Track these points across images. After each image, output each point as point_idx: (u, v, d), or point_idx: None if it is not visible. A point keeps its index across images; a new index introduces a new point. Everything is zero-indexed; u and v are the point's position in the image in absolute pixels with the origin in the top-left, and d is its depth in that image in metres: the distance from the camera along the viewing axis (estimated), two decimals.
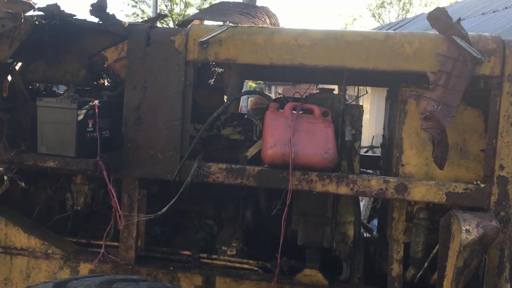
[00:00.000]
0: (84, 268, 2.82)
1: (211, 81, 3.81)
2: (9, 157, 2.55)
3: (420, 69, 2.44)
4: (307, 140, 2.50)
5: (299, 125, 2.53)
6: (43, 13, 2.60)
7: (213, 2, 28.11)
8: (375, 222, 4.18)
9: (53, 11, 2.56)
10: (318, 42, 2.48)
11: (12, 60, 2.85)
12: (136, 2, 28.08)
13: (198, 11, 28.22)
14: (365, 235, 3.32)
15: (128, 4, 28.01)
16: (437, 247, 2.41)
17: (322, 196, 2.69)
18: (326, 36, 2.50)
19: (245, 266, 2.82)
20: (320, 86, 3.69)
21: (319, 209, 2.72)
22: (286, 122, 2.54)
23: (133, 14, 27.79)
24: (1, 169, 2.62)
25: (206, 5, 28.05)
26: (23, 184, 2.56)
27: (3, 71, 2.97)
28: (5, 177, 2.51)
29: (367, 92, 4.23)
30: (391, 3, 35.53)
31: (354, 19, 34.23)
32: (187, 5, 28.22)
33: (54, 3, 2.52)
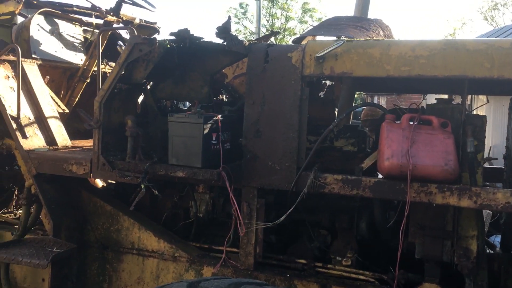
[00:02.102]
0: (207, 271, 3.03)
1: (322, 93, 3.89)
2: (144, 168, 2.82)
3: None
4: (425, 151, 2.47)
5: (417, 136, 2.51)
6: (174, 37, 2.87)
7: (313, 14, 28.34)
8: (495, 238, 3.96)
9: (184, 35, 2.82)
10: (437, 52, 2.45)
11: (145, 80, 3.16)
12: (239, 19, 29.11)
13: (299, 24, 28.64)
14: (487, 251, 3.16)
15: (232, 21, 28.92)
16: None
17: (441, 209, 2.63)
18: (446, 45, 2.46)
19: (361, 277, 2.83)
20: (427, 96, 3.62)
21: (438, 222, 2.66)
22: (403, 134, 2.52)
23: (236, 30, 28.82)
24: (129, 178, 2.90)
25: (306, 18, 28.30)
26: (156, 192, 2.82)
27: (138, 90, 3.32)
28: (142, 186, 2.78)
29: (488, 101, 4.03)
30: (505, 4, 32.98)
31: (464, 24, 32.37)
32: (287, 18, 28.65)
33: (185, 28, 2.78)
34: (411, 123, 2.57)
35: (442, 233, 2.66)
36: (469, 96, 4.44)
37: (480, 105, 4.45)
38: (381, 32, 3.22)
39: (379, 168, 2.57)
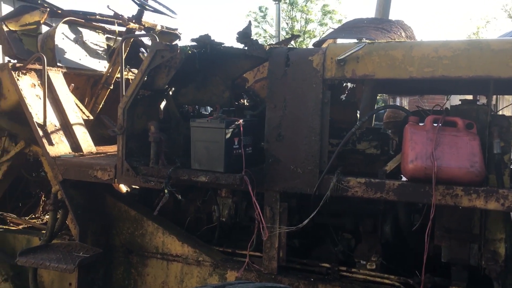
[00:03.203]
0: (231, 276, 3.04)
1: (343, 96, 3.87)
2: (167, 173, 2.85)
3: None
4: (450, 153, 2.43)
5: (441, 138, 2.47)
6: (195, 43, 2.89)
7: (333, 16, 28.21)
8: None
9: (205, 41, 2.84)
10: (460, 52, 2.41)
11: (167, 86, 3.20)
12: (259, 22, 29.18)
13: (318, 26, 28.55)
14: None
15: (252, 25, 29.01)
16: None
17: (467, 212, 2.59)
18: (470, 46, 2.43)
19: (386, 281, 2.80)
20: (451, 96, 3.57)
21: (465, 225, 2.62)
22: (427, 136, 2.49)
23: (256, 33, 28.89)
24: (152, 183, 2.93)
25: (326, 20, 28.19)
26: (180, 197, 2.84)
27: (160, 96, 3.36)
28: (165, 191, 2.81)
29: None
30: None
31: (487, 22, 31.64)
32: (307, 21, 28.60)
33: (206, 34, 2.80)
34: (435, 125, 2.54)
35: (469, 236, 2.62)
36: (494, 97, 4.36)
37: (506, 106, 4.35)
38: (403, 34, 3.19)
39: (403, 170, 2.54)
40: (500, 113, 3.05)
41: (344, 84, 3.85)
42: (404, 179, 2.71)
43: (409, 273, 2.81)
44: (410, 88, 3.81)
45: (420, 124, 2.61)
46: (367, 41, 2.66)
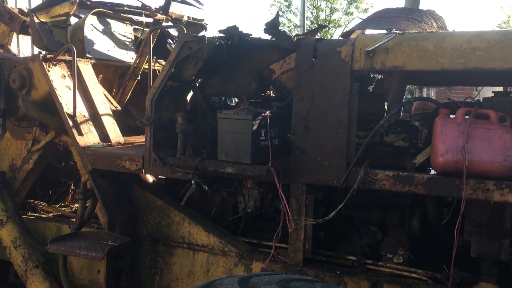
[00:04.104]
0: (256, 267, 3.05)
1: (371, 87, 3.82)
2: (194, 164, 2.87)
3: None
4: (482, 147, 2.38)
5: (473, 131, 2.42)
6: (222, 34, 2.89)
7: (359, 5, 27.79)
8: None
9: (232, 32, 2.84)
10: (495, 43, 2.35)
11: (194, 77, 3.21)
12: (283, 12, 28.97)
13: (344, 15, 28.18)
14: None
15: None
16: None
17: (499, 206, 2.53)
18: (504, 36, 2.36)
19: (413, 275, 2.77)
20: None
21: (495, 220, 2.57)
22: (458, 129, 2.44)
23: (281, 23, 28.65)
24: (179, 174, 2.95)
25: (352, 9, 27.80)
26: (206, 188, 2.86)
27: (187, 88, 3.38)
28: (192, 182, 2.83)
29: None
30: None
31: None
32: (332, 10, 28.25)
33: (234, 25, 2.80)
34: (467, 117, 2.49)
35: (499, 232, 2.57)
36: None
37: None
38: (434, 24, 3.12)
39: (432, 164, 2.50)
40: None
41: (372, 75, 3.80)
42: (433, 172, 2.67)
43: (437, 267, 2.77)
44: (440, 80, 3.74)
45: (451, 116, 2.56)
46: (397, 31, 2.61)
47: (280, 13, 28.61)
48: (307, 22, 24.24)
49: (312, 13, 28.30)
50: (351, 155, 2.72)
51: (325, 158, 2.76)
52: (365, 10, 27.44)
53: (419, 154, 2.68)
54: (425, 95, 17.49)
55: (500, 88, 3.31)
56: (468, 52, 2.40)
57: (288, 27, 28.48)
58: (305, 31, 18.16)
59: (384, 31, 2.78)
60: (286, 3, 28.89)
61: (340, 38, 3.07)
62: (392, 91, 3.34)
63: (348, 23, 27.88)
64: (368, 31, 3.27)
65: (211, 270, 3.23)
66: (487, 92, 3.88)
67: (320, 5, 28.17)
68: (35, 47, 4.06)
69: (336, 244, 3.19)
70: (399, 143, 2.99)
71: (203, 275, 3.26)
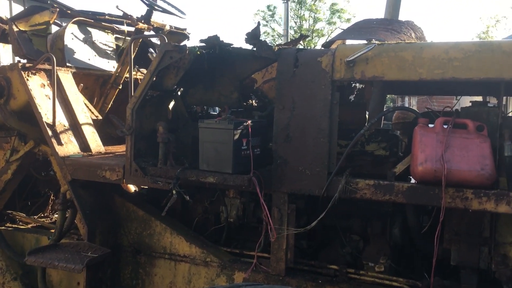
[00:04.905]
0: (239, 277, 3.03)
1: (352, 97, 3.85)
2: (176, 173, 2.85)
3: None
4: (461, 156, 2.41)
5: (451, 140, 2.45)
6: (204, 44, 2.89)
7: (342, 15, 28.11)
8: None
9: (214, 42, 2.84)
10: (472, 54, 2.39)
11: (176, 86, 3.20)
12: (267, 21, 29.16)
13: (327, 25, 28.46)
14: None
15: (261, 24, 28.96)
16: None
17: (477, 215, 2.56)
18: (481, 47, 2.40)
19: (394, 283, 2.78)
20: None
21: (474, 228, 2.59)
22: (437, 138, 2.47)
23: (264, 32, 28.86)
24: (160, 184, 2.93)
25: (335, 19, 28.11)
26: (188, 198, 2.84)
27: (168, 97, 3.36)
28: (174, 191, 2.81)
29: None
30: None
31: (497, 21, 31.23)
32: (316, 20, 28.53)
33: (214, 34, 2.80)
34: (445, 126, 2.52)
35: (479, 240, 2.59)
36: (505, 98, 4.30)
37: None
38: (413, 34, 3.16)
39: (412, 173, 2.52)
40: (511, 115, 3.01)
41: (353, 84, 3.83)
42: (413, 181, 2.70)
43: (418, 276, 2.79)
44: (419, 89, 3.79)
45: (430, 125, 2.59)
46: (376, 42, 2.64)
47: (264, 22, 28.82)
48: (291, 31, 24.45)
49: (295, 22, 28.57)
50: (332, 164, 2.73)
51: (306, 167, 2.77)
52: (348, 20, 27.80)
53: (399, 163, 2.70)
54: (406, 104, 17.71)
55: (479, 98, 3.37)
56: (446, 63, 2.44)
57: (272, 36, 28.68)
58: (289, 40, 18.32)
59: (364, 42, 2.81)
60: (270, 13, 29.15)
61: (322, 48, 3.10)
62: (373, 101, 3.38)
63: (331, 32, 28.18)
64: (348, 42, 3.31)
65: (193, 281, 3.20)
66: (466, 101, 3.94)
67: (304, 14, 28.46)
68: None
69: (318, 253, 3.19)
70: (380, 152, 3.02)
71: (185, 286, 3.23)
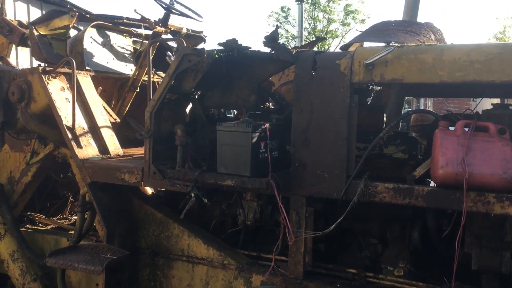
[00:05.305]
0: (256, 280, 3.03)
1: (369, 99, 3.83)
2: (194, 176, 2.86)
3: None
4: (482, 159, 2.38)
5: (472, 143, 2.42)
6: (222, 47, 2.90)
7: (356, 16, 27.96)
8: None
9: (232, 45, 2.85)
10: (494, 56, 2.36)
11: (193, 89, 3.21)
12: (281, 23, 29.15)
13: (341, 26, 28.35)
14: None
15: (273, 26, 29.06)
16: None
17: (499, 219, 2.53)
18: (503, 49, 2.37)
19: None
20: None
21: (496, 232, 2.56)
22: (458, 141, 2.45)
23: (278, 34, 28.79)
24: (179, 187, 2.94)
25: (349, 20, 27.99)
26: (206, 201, 2.84)
27: (186, 100, 3.38)
28: (192, 194, 2.82)
29: None
30: None
31: None
32: (329, 21, 28.44)
33: (233, 38, 2.81)
34: (466, 129, 2.49)
35: (500, 244, 2.56)
36: None
37: None
38: (432, 36, 3.13)
39: (432, 176, 2.50)
40: None
41: (370, 87, 3.81)
42: (432, 184, 2.67)
43: (438, 280, 2.76)
44: (437, 91, 3.75)
45: (451, 128, 2.56)
46: (396, 44, 2.62)
47: (278, 24, 28.79)
48: (305, 33, 24.38)
49: (309, 23, 28.52)
50: (351, 167, 2.71)
51: (325, 170, 2.76)
52: (362, 21, 27.67)
53: (419, 167, 2.68)
54: (422, 106, 17.54)
55: (498, 100, 3.33)
56: (467, 65, 2.41)
57: (286, 37, 28.64)
58: (303, 42, 18.27)
59: (383, 44, 2.79)
60: (284, 14, 29.13)
61: (339, 50, 3.08)
62: (391, 103, 3.35)
63: (345, 33, 28.10)
64: (366, 44, 3.29)
65: (210, 283, 3.20)
66: (485, 103, 3.89)
67: (318, 16, 28.38)
68: (34, 59, 4.07)
69: (336, 256, 3.17)
70: (399, 155, 3.00)
71: None
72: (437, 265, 2.97)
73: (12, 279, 3.85)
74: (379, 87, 3.77)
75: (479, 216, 2.56)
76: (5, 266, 3.87)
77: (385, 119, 3.56)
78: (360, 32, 3.26)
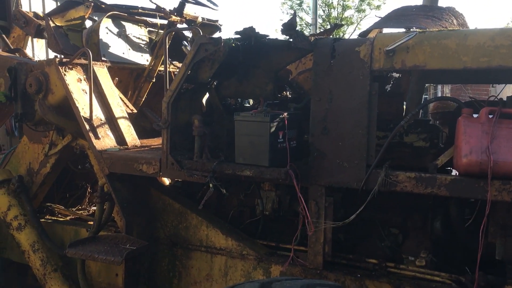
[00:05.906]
0: (275, 270, 3.02)
1: (388, 87, 3.75)
2: (212, 167, 2.84)
3: None
4: (507, 147, 2.32)
5: (497, 131, 2.36)
6: (239, 36, 2.86)
7: (371, 2, 27.55)
8: None
9: (249, 34, 2.81)
10: None
11: (210, 79, 3.18)
12: (295, 10, 28.85)
13: (356, 13, 27.98)
14: None
15: (287, 13, 28.83)
16: None
17: None
18: None
19: (436, 278, 2.71)
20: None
21: None
22: (482, 129, 2.38)
23: None
24: (196, 177, 2.93)
25: (364, 6, 27.60)
26: (224, 191, 2.83)
27: (203, 90, 3.35)
28: (210, 185, 2.81)
29: None
30: None
31: None
32: (344, 8, 28.07)
33: (250, 26, 2.76)
34: (491, 117, 2.42)
35: None
36: None
37: None
38: (455, 21, 3.05)
39: (455, 165, 2.44)
40: None
41: (389, 74, 3.73)
42: (454, 173, 2.61)
43: (461, 270, 2.71)
44: (459, 77, 3.67)
45: (474, 116, 2.50)
46: (417, 30, 2.56)
47: (295, 11, 28.51)
48: (319, 20, 24.11)
49: (324, 11, 28.16)
50: (371, 156, 2.67)
51: (344, 159, 2.72)
52: (378, 7, 27.25)
53: (442, 155, 2.62)
54: (439, 93, 17.27)
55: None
56: (492, 50, 2.34)
57: (300, 25, 28.36)
58: (317, 29, 18.07)
59: (403, 30, 2.72)
60: (298, 2, 28.80)
61: (358, 37, 3.02)
62: (411, 90, 3.28)
63: (361, 20, 27.71)
64: (385, 30, 3.22)
65: (229, 274, 3.20)
66: (506, 89, 3.79)
67: (332, 2, 28.01)
68: (50, 50, 4.07)
69: (356, 246, 3.14)
70: (420, 144, 2.94)
71: (221, 278, 3.23)
72: (459, 255, 2.92)
73: (33, 269, 3.89)
74: (398, 74, 3.69)
75: (503, 205, 2.50)
76: (26, 257, 3.92)
77: (404, 107, 3.49)
78: (379, 18, 3.18)
